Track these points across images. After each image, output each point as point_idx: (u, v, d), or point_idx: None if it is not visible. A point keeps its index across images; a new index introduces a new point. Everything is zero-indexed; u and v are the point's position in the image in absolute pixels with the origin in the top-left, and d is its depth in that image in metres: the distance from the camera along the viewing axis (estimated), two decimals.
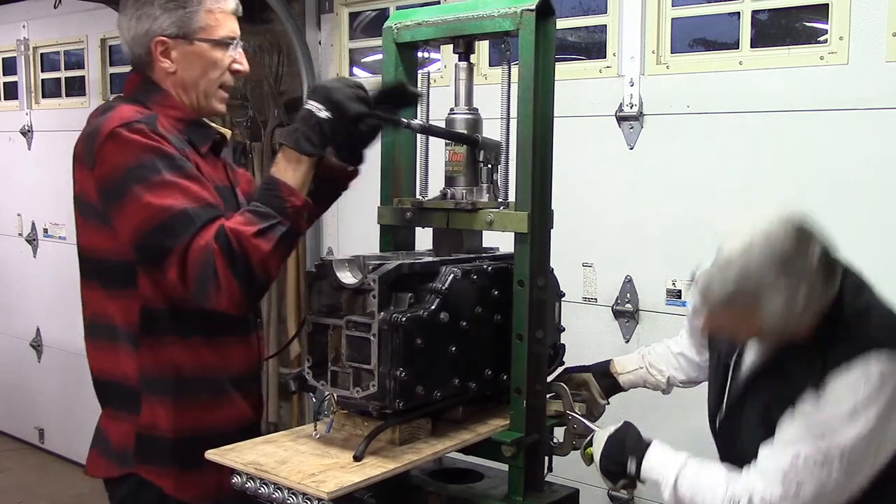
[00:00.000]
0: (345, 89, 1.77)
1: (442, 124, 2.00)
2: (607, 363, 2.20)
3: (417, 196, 2.07)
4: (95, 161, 1.80)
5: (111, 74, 4.84)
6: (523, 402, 1.82)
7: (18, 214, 5.41)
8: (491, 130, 2.00)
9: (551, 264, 1.90)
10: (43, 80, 5.33)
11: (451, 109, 2.00)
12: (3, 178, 5.49)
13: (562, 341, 2.11)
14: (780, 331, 1.68)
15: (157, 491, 1.91)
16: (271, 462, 1.67)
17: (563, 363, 2.13)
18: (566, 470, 2.06)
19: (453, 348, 1.80)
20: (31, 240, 5.33)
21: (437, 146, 2.04)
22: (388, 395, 1.69)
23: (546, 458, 1.95)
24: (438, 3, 3.37)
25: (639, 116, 3.00)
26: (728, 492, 1.67)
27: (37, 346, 5.39)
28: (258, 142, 4.08)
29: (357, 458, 1.64)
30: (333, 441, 1.79)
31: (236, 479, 1.68)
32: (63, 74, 5.22)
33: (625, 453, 1.82)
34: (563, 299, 2.09)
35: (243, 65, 1.98)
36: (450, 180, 1.99)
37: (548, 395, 1.95)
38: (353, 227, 3.75)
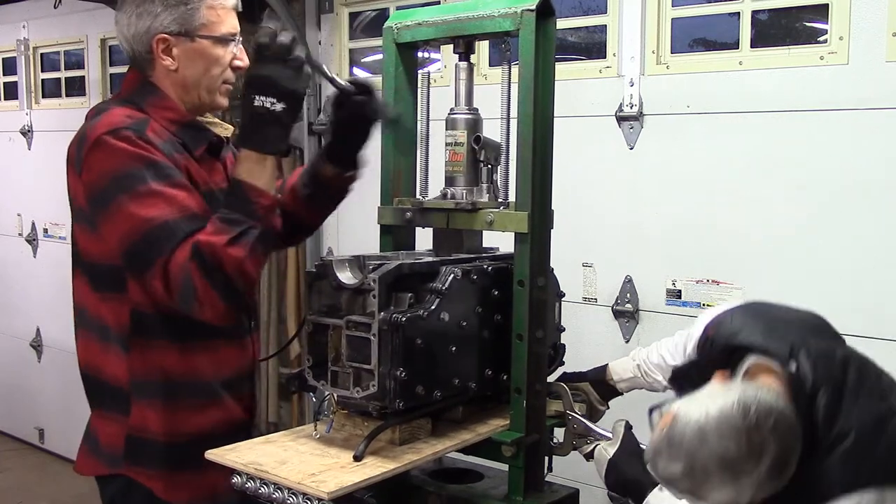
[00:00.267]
0: (284, 70, 1.74)
1: (442, 124, 2.01)
2: (603, 370, 2.17)
3: (417, 196, 2.07)
4: (83, 167, 1.80)
5: (111, 74, 4.84)
6: (523, 402, 1.82)
7: (18, 214, 5.41)
8: (491, 130, 2.00)
9: (551, 264, 1.90)
10: (43, 80, 5.33)
11: (451, 109, 2.00)
12: (3, 178, 5.49)
13: (562, 341, 2.11)
14: None
15: (147, 493, 1.90)
16: (271, 462, 1.67)
17: (563, 363, 2.13)
18: (566, 470, 2.06)
19: (453, 348, 1.80)
20: (31, 240, 5.33)
21: (438, 146, 2.04)
22: (388, 395, 1.69)
23: (546, 458, 1.95)
24: (438, 3, 3.37)
25: (639, 116, 3.00)
26: None
27: (37, 346, 5.39)
28: None
29: (357, 458, 1.64)
30: (333, 441, 1.79)
31: (236, 479, 1.68)
32: (63, 74, 5.22)
33: (626, 491, 1.80)
34: (563, 299, 2.10)
35: (244, 61, 1.96)
36: (450, 180, 1.99)
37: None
38: (353, 227, 3.75)
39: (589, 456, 1.92)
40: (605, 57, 3.11)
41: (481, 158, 1.96)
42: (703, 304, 2.90)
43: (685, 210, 2.93)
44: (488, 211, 1.89)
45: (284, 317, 4.13)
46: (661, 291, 3.01)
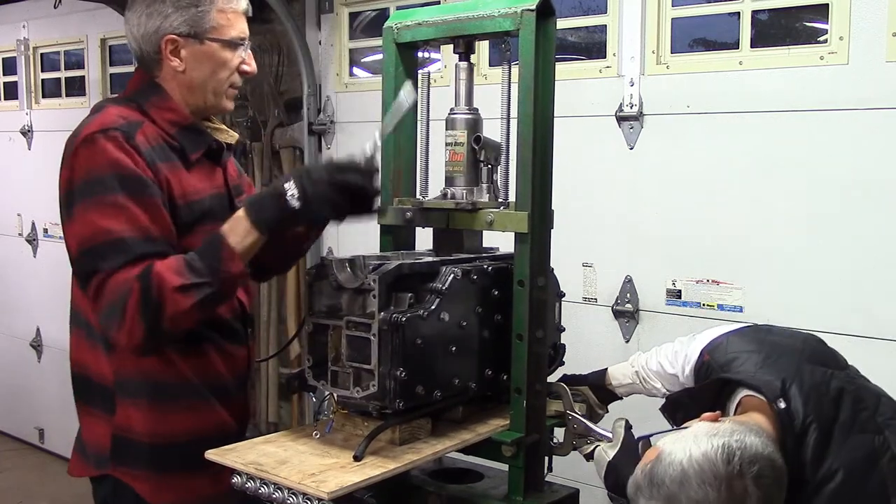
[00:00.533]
0: (326, 188, 1.72)
1: (442, 124, 2.01)
2: (603, 374, 2.17)
3: (418, 196, 2.07)
4: (67, 162, 1.80)
5: (111, 74, 4.84)
6: (523, 402, 1.82)
7: (18, 214, 5.41)
8: (491, 130, 2.00)
9: (551, 264, 1.90)
10: (43, 80, 5.33)
11: (451, 109, 2.00)
12: (3, 178, 5.49)
13: (562, 341, 2.12)
14: None
15: (134, 494, 1.89)
16: (271, 462, 1.67)
17: (563, 363, 2.13)
18: (566, 470, 2.06)
19: (453, 348, 1.80)
20: (31, 240, 5.33)
21: (438, 146, 2.04)
22: (388, 395, 1.69)
23: (546, 458, 1.95)
24: (438, 3, 3.37)
25: (639, 116, 3.00)
26: None
27: (37, 346, 5.39)
28: (258, 142, 4.09)
29: (357, 458, 1.64)
30: (333, 441, 1.79)
31: (236, 479, 1.68)
32: (63, 74, 5.22)
33: (625, 493, 1.80)
34: (563, 299, 2.10)
35: (251, 66, 1.96)
36: (450, 180, 1.99)
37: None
38: (353, 227, 3.74)
39: (589, 456, 1.92)
40: (605, 57, 3.11)
41: (481, 158, 1.96)
42: (703, 304, 2.90)
43: (685, 210, 2.93)
44: (488, 211, 1.89)
45: (284, 317, 4.13)
46: (661, 291, 3.01)
